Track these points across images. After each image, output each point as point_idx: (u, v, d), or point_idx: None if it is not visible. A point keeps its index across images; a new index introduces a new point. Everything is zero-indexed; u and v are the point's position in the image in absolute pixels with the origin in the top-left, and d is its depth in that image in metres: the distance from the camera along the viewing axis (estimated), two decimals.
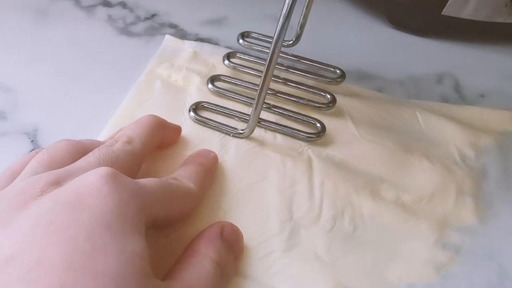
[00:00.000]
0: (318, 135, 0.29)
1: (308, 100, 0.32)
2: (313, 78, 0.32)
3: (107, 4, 0.40)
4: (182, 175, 0.24)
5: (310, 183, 0.27)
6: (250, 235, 0.24)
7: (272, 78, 0.30)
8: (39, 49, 0.35)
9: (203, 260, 0.20)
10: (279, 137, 0.30)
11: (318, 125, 0.30)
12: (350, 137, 0.30)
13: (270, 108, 0.31)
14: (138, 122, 0.25)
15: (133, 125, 0.25)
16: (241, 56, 0.34)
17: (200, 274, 0.19)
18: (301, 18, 0.32)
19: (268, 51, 0.25)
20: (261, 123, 0.30)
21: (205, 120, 0.30)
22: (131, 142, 0.23)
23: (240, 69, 0.33)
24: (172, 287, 0.18)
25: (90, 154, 0.22)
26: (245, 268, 0.23)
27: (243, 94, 0.32)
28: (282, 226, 0.25)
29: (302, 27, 0.32)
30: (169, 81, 0.33)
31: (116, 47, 0.36)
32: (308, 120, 0.30)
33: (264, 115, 0.30)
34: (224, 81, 0.33)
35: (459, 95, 0.35)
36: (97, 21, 0.38)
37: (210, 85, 0.32)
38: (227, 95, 0.32)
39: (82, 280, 0.15)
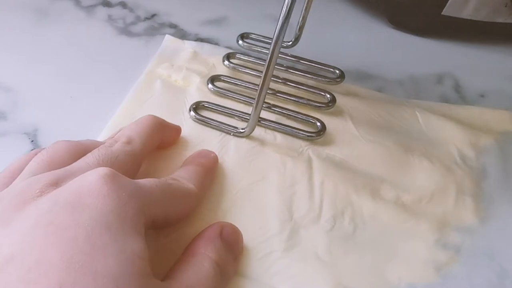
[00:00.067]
0: (318, 134, 0.29)
1: (308, 99, 0.32)
2: (312, 78, 0.33)
3: (107, 4, 0.40)
4: (181, 175, 0.24)
5: (310, 183, 0.27)
6: (250, 235, 0.24)
7: (272, 78, 0.31)
8: (39, 49, 0.35)
9: (203, 260, 0.20)
10: (279, 137, 0.30)
11: (318, 124, 0.30)
12: (350, 137, 0.30)
13: (270, 107, 0.31)
14: (138, 122, 0.25)
15: (132, 125, 0.25)
16: (241, 57, 0.34)
17: (200, 274, 0.19)
18: (300, 19, 0.32)
19: (267, 51, 0.25)
20: (261, 122, 0.30)
21: (205, 119, 0.30)
22: (130, 143, 0.23)
23: (240, 69, 0.33)
24: (172, 287, 0.18)
25: (90, 154, 0.22)
26: (245, 268, 0.23)
27: (243, 94, 0.32)
28: (282, 226, 0.25)
29: (301, 28, 0.33)
30: (169, 81, 0.33)
31: (116, 47, 0.36)
32: (308, 119, 0.30)
33: (264, 114, 0.30)
34: (224, 81, 0.33)
35: (459, 95, 0.35)
36: (97, 21, 0.38)
37: (210, 85, 0.32)
38: (227, 95, 0.32)
39: (82, 280, 0.15)
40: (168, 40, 0.36)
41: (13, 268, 0.15)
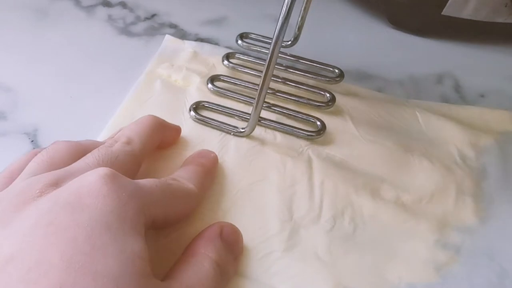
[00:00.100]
0: (319, 133, 0.29)
1: (308, 99, 0.32)
2: (312, 77, 0.33)
3: (107, 4, 0.40)
4: (181, 175, 0.24)
5: (310, 183, 0.27)
6: (250, 235, 0.24)
7: (272, 78, 0.31)
8: (39, 49, 0.35)
9: (203, 260, 0.20)
10: (279, 137, 0.30)
11: (318, 123, 0.30)
12: (350, 137, 0.30)
13: (270, 107, 0.31)
14: (138, 122, 0.25)
15: (132, 125, 0.25)
16: (240, 57, 0.34)
17: (200, 275, 0.19)
18: (299, 19, 0.32)
19: (267, 51, 0.25)
20: (262, 121, 0.30)
21: (205, 119, 0.30)
22: (130, 143, 0.23)
23: (240, 69, 0.33)
24: (172, 287, 0.18)
25: (89, 154, 0.22)
26: (245, 268, 0.23)
27: (243, 93, 0.32)
28: (282, 226, 0.25)
29: (300, 28, 0.33)
30: (169, 81, 0.33)
31: (116, 47, 0.36)
32: (308, 119, 0.30)
33: (265, 114, 0.30)
34: (224, 81, 0.33)
35: (459, 95, 0.35)
36: (97, 21, 0.38)
37: (210, 85, 0.32)
38: (227, 95, 0.32)
39: (82, 280, 0.15)
40: (168, 40, 0.36)
41: (13, 268, 0.15)
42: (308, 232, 0.25)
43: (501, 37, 0.40)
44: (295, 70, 0.33)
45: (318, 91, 0.32)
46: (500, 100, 0.35)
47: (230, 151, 0.28)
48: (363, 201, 0.27)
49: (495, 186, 0.28)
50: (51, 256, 0.16)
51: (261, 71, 0.26)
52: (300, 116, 0.31)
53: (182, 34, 0.38)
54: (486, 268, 0.24)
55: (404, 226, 0.26)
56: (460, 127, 0.31)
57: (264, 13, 0.40)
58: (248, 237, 0.24)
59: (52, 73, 0.33)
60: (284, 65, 0.33)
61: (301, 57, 0.34)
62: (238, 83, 0.33)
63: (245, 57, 0.34)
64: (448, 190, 0.28)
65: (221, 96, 0.32)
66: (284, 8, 0.23)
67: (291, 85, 0.32)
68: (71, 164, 0.21)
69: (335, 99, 0.31)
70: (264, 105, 0.30)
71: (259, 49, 0.34)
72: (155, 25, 0.39)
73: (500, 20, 0.37)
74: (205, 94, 0.32)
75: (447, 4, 0.36)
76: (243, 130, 0.29)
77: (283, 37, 0.24)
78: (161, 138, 0.27)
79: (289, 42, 0.34)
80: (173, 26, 0.39)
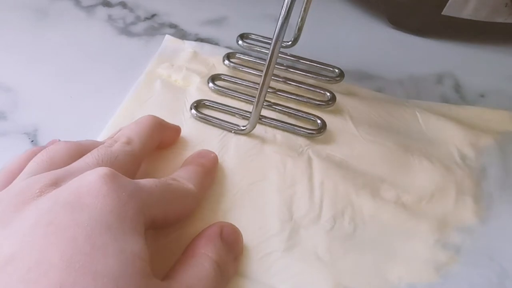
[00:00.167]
0: (319, 132, 0.30)
1: (308, 98, 0.32)
2: (312, 77, 0.33)
3: (107, 4, 0.40)
4: (181, 175, 0.24)
5: (310, 183, 0.27)
6: (250, 235, 0.24)
7: (272, 77, 0.31)
8: (39, 49, 0.35)
9: (203, 260, 0.20)
10: (279, 137, 0.30)
11: (319, 121, 0.30)
12: (350, 137, 0.30)
13: (271, 105, 0.31)
14: (138, 122, 0.25)
15: (132, 125, 0.25)
16: (241, 57, 0.34)
17: (200, 275, 0.19)
18: (299, 20, 0.32)
19: (267, 51, 0.25)
20: (262, 120, 0.30)
21: (206, 117, 0.30)
22: (130, 143, 0.23)
23: (240, 68, 0.33)
24: (172, 287, 0.18)
25: (89, 154, 0.22)
26: (245, 268, 0.23)
27: (244, 92, 0.32)
28: (282, 226, 0.25)
29: (300, 29, 0.33)
30: (169, 81, 0.33)
31: (116, 47, 0.36)
32: (308, 117, 0.30)
33: (265, 112, 0.31)
34: (224, 80, 0.33)
35: (459, 95, 0.35)
36: (97, 21, 0.38)
37: (211, 84, 0.32)
38: (228, 94, 0.32)
39: (82, 280, 0.15)
40: (168, 40, 0.36)
41: (13, 268, 0.15)
42: (308, 232, 0.25)
43: (501, 37, 0.40)
44: (296, 69, 0.33)
45: (319, 90, 0.32)
46: (500, 100, 0.35)
47: (230, 151, 0.28)
48: (363, 201, 0.27)
49: (495, 186, 0.28)
50: (51, 256, 0.16)
51: (262, 71, 0.26)
52: (301, 115, 0.31)
53: (182, 34, 0.38)
54: (486, 268, 0.24)
55: (404, 226, 0.26)
56: (460, 127, 0.31)
57: (264, 13, 0.40)
58: (248, 237, 0.24)
59: (52, 73, 0.33)
60: (284, 65, 0.33)
61: (302, 57, 0.34)
62: (239, 82, 0.33)
63: (245, 57, 0.34)
64: (448, 190, 0.28)
65: (222, 95, 0.32)
66: (284, 8, 0.23)
67: (292, 84, 0.33)
68: (70, 164, 0.21)
69: (335, 98, 0.31)
70: (264, 104, 0.30)
71: (259, 49, 0.34)
72: (155, 25, 0.39)
73: (500, 20, 0.37)
74: (205, 94, 0.32)
75: (447, 4, 0.36)
76: (244, 128, 0.29)
77: (283, 35, 0.24)
78: (161, 138, 0.27)
79: (290, 43, 0.34)
80: (173, 26, 0.39)
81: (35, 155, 0.22)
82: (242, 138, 0.29)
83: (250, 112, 0.28)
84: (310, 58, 0.34)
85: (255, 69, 0.33)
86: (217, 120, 0.30)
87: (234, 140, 0.29)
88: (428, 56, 0.38)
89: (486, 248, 0.25)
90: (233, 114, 0.31)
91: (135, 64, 0.34)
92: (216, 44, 0.37)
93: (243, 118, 0.30)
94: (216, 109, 0.31)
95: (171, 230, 0.23)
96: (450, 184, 0.28)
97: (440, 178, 0.28)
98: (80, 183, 0.18)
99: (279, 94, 0.32)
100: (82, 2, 0.40)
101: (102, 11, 0.39)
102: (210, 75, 0.33)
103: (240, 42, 0.35)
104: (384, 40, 0.40)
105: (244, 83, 0.32)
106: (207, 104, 0.31)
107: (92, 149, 0.22)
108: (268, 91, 0.31)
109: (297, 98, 0.32)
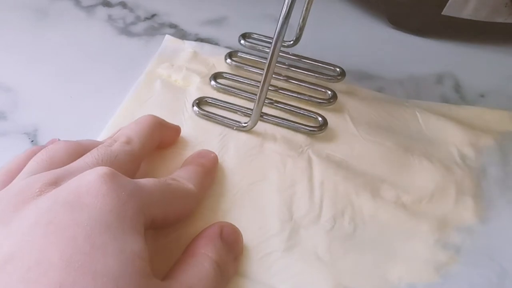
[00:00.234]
0: (320, 129, 0.30)
1: (310, 96, 0.32)
2: (314, 76, 0.33)
3: (107, 4, 0.40)
4: (181, 175, 0.24)
5: (310, 183, 0.27)
6: (250, 235, 0.24)
7: (274, 76, 0.31)
8: (39, 49, 0.35)
9: (203, 260, 0.20)
10: (279, 137, 0.30)
11: (320, 119, 0.30)
12: (350, 137, 0.30)
13: (272, 103, 0.31)
14: (137, 122, 0.25)
15: (132, 125, 0.25)
16: (243, 55, 0.34)
17: (200, 275, 0.19)
18: (301, 20, 0.32)
19: (268, 50, 0.25)
20: (264, 117, 0.30)
21: (208, 114, 0.30)
22: (130, 142, 0.23)
23: (242, 67, 0.33)
24: (172, 287, 0.18)
25: (89, 154, 0.22)
26: (245, 268, 0.23)
27: (246, 90, 0.32)
28: (282, 226, 0.25)
29: (301, 29, 0.33)
30: (169, 81, 0.33)
31: (116, 47, 0.36)
32: (310, 115, 0.31)
33: (267, 110, 0.31)
34: (226, 78, 0.33)
35: (459, 95, 0.35)
36: (97, 21, 0.38)
37: (213, 82, 0.32)
38: (230, 91, 0.32)
39: (82, 279, 0.15)
40: (168, 40, 0.36)
41: (13, 267, 0.15)
42: (308, 232, 0.25)
43: (501, 37, 0.40)
44: (297, 68, 0.33)
45: (320, 89, 0.32)
46: (500, 100, 0.35)
47: (230, 151, 0.28)
48: (363, 201, 0.27)
49: (495, 186, 0.28)
50: (51, 255, 0.16)
51: (263, 69, 0.26)
52: (302, 112, 0.31)
53: (182, 34, 0.38)
54: (486, 268, 0.24)
55: (404, 226, 0.26)
56: (460, 127, 0.31)
57: (264, 13, 0.40)
58: (248, 237, 0.24)
59: (52, 73, 0.33)
60: (286, 63, 0.34)
61: (303, 56, 0.34)
62: (241, 80, 0.33)
63: (247, 56, 0.34)
64: (448, 190, 0.28)
65: (224, 93, 0.32)
66: (285, 5, 0.23)
67: (293, 82, 0.33)
68: (70, 163, 0.21)
69: (336, 96, 0.32)
70: (266, 101, 0.30)
71: (261, 48, 0.34)
72: (155, 25, 0.39)
73: (500, 20, 0.37)
74: (206, 93, 0.32)
75: (447, 4, 0.36)
76: (245, 124, 0.29)
77: (285, 30, 0.24)
78: (161, 137, 0.27)
79: (291, 42, 0.34)
80: (173, 26, 0.39)
81: (35, 154, 0.22)
82: (242, 138, 0.29)
83: (252, 109, 0.28)
84: (310, 57, 0.34)
85: (257, 67, 0.33)
86: (218, 117, 0.30)
87: (234, 140, 0.29)
88: (428, 56, 0.38)
89: (486, 248, 0.25)
90: (235, 111, 0.31)
91: (135, 64, 0.34)
92: (216, 44, 0.37)
93: (245, 115, 0.30)
94: (218, 106, 0.31)
95: (171, 230, 0.23)
96: (450, 184, 0.28)
97: (440, 178, 0.28)
98: (79, 182, 0.18)
99: (280, 92, 0.32)
100: (82, 2, 0.40)
101: (102, 11, 0.39)
102: (210, 75, 0.33)
103: (242, 41, 0.35)
104: (384, 40, 0.40)
105: (246, 81, 0.33)
106: (209, 101, 0.31)
107: (92, 149, 0.22)
108: (270, 89, 0.31)
109: (299, 96, 0.32)
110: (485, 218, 0.27)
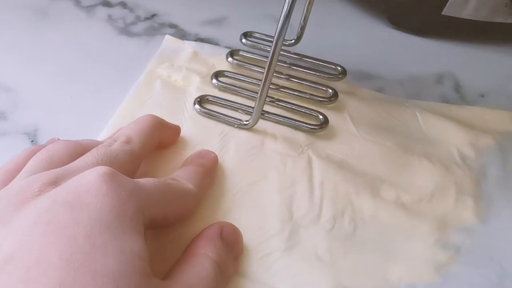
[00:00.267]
0: (321, 127, 0.30)
1: (311, 94, 0.32)
2: (315, 74, 0.33)
3: (107, 4, 0.40)
4: (181, 175, 0.24)
5: (310, 183, 0.27)
6: (250, 235, 0.24)
7: (275, 74, 0.31)
8: (39, 49, 0.35)
9: (203, 260, 0.20)
10: (280, 137, 0.30)
11: (321, 117, 0.30)
12: (350, 137, 0.30)
13: (273, 101, 0.31)
14: (137, 121, 0.25)
15: (132, 125, 0.25)
16: (244, 54, 0.34)
17: (200, 275, 0.19)
18: (302, 20, 0.32)
19: (269, 49, 0.25)
20: (265, 115, 0.30)
21: (209, 112, 0.30)
22: (129, 142, 0.23)
23: (244, 65, 0.33)
24: (172, 287, 0.18)
25: (89, 153, 0.21)
26: (245, 268, 0.23)
27: (247, 88, 0.32)
28: (282, 226, 0.25)
29: (302, 28, 0.33)
30: (169, 81, 0.33)
31: (116, 47, 0.36)
32: (311, 113, 0.31)
33: (268, 108, 0.31)
34: (228, 76, 0.33)
35: (459, 95, 0.35)
36: (97, 21, 0.38)
37: (214, 80, 0.32)
38: (231, 90, 0.32)
39: (81, 279, 0.15)
40: (168, 40, 0.36)
41: (13, 267, 0.15)
42: (308, 232, 0.25)
43: (501, 37, 0.40)
44: (299, 67, 0.33)
45: (321, 87, 0.32)
46: (500, 100, 0.35)
47: (230, 151, 0.28)
48: (363, 201, 0.27)
49: (495, 186, 0.28)
50: (51, 255, 0.16)
51: (265, 67, 0.26)
52: (303, 110, 0.31)
53: (182, 34, 0.38)
54: (486, 268, 0.24)
55: (404, 226, 0.26)
56: (460, 127, 0.31)
57: (264, 13, 0.40)
58: (248, 237, 0.24)
59: (52, 73, 0.33)
60: (288, 62, 0.34)
61: (304, 55, 0.34)
62: (242, 78, 0.33)
63: (248, 55, 0.34)
64: (448, 190, 0.28)
65: (226, 92, 0.32)
66: (286, 3, 0.23)
67: (295, 81, 0.33)
68: (70, 163, 0.21)
69: (337, 94, 0.32)
70: (267, 100, 0.30)
71: (262, 47, 0.35)
72: (155, 25, 0.39)
73: (500, 20, 0.37)
74: (206, 93, 0.32)
75: (447, 4, 0.36)
76: (246, 122, 0.29)
77: (286, 28, 0.24)
78: (161, 137, 0.27)
79: (293, 41, 0.34)
80: (173, 26, 0.39)
81: (34, 154, 0.22)
82: (242, 138, 0.29)
83: (253, 108, 0.28)
84: (312, 56, 0.34)
85: (258, 65, 0.33)
86: (220, 115, 0.30)
87: (234, 140, 0.29)
88: (428, 56, 0.38)
89: (486, 248, 0.25)
90: (236, 109, 0.31)
91: (135, 64, 0.34)
92: (216, 44, 0.37)
93: (246, 113, 0.31)
94: (219, 104, 0.31)
95: (171, 230, 0.23)
96: (450, 184, 0.28)
97: (440, 178, 0.28)
98: (79, 182, 0.18)
99: (282, 91, 0.32)
100: (82, 2, 0.40)
101: (102, 11, 0.39)
102: (210, 75, 0.33)
103: (243, 40, 0.35)
104: (384, 40, 0.40)
105: (247, 80, 0.33)
106: (211, 99, 0.31)
107: (92, 148, 0.22)
108: (271, 88, 0.31)
109: (300, 94, 0.32)
110: (485, 218, 0.27)
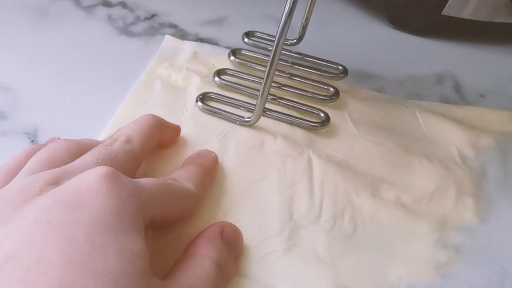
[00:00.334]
0: (323, 124, 0.30)
1: (312, 92, 0.32)
2: (316, 73, 0.33)
3: (107, 4, 0.40)
4: (181, 175, 0.24)
5: (310, 183, 0.27)
6: (250, 235, 0.24)
7: (277, 73, 0.31)
8: (39, 49, 0.35)
9: (203, 260, 0.20)
10: (280, 137, 0.30)
11: (322, 115, 0.30)
12: (350, 137, 0.30)
13: (275, 99, 0.31)
14: (137, 121, 0.25)
15: (132, 125, 0.25)
16: (246, 53, 0.34)
17: (200, 275, 0.19)
18: (304, 19, 0.33)
19: (271, 48, 0.25)
20: (267, 112, 0.30)
21: (212, 109, 0.30)
22: (130, 142, 0.23)
23: (246, 64, 0.34)
24: (172, 287, 0.18)
25: (89, 153, 0.21)
26: (245, 268, 0.23)
27: (249, 86, 0.32)
28: (282, 226, 0.25)
29: (304, 28, 0.33)
30: (169, 81, 0.33)
31: (116, 47, 0.36)
32: (312, 111, 0.31)
33: (270, 106, 0.31)
34: (230, 74, 0.33)
35: (459, 95, 0.35)
36: (97, 21, 0.38)
37: (216, 78, 0.32)
38: (233, 87, 0.32)
39: (82, 279, 0.15)
40: (168, 40, 0.36)
41: (13, 267, 0.15)
42: (308, 232, 0.25)
43: (501, 37, 0.40)
44: (300, 66, 0.33)
45: (322, 86, 0.33)
46: (500, 100, 0.35)
47: (230, 151, 0.28)
48: (363, 201, 0.27)
49: (495, 186, 0.28)
50: (51, 255, 0.16)
51: (266, 66, 0.26)
52: (305, 108, 0.31)
53: (182, 34, 0.38)
54: (486, 268, 0.24)
55: (404, 226, 0.26)
56: (460, 127, 0.31)
57: (264, 13, 0.40)
58: (248, 237, 0.24)
59: (52, 73, 0.33)
60: (289, 61, 0.34)
61: (306, 55, 0.34)
62: (244, 77, 0.33)
63: (250, 53, 0.34)
64: (448, 190, 0.28)
65: (228, 89, 0.32)
66: (288, 2, 0.23)
67: (296, 80, 0.33)
68: (70, 162, 0.21)
69: (339, 93, 0.32)
70: (269, 98, 0.30)
71: (264, 46, 0.35)
72: (155, 25, 0.39)
73: (500, 20, 0.37)
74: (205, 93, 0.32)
75: (447, 4, 0.36)
76: (248, 119, 0.29)
77: (288, 27, 0.24)
78: (161, 137, 0.27)
79: (294, 40, 0.34)
80: (173, 26, 0.39)
81: (35, 153, 0.22)
82: (242, 138, 0.29)
83: (255, 105, 0.28)
84: (314, 56, 0.34)
85: (260, 64, 0.33)
86: (222, 112, 0.30)
87: (234, 140, 0.29)
88: (428, 56, 0.38)
89: (486, 248, 0.25)
90: (238, 106, 0.31)
91: (135, 64, 0.34)
92: (216, 44, 0.37)
93: (248, 111, 0.31)
94: (221, 101, 0.31)
95: (171, 230, 0.23)
96: (450, 184, 0.28)
97: (440, 178, 0.28)
98: (80, 182, 0.18)
99: (284, 89, 0.32)
100: (82, 2, 0.40)
101: (102, 11, 0.39)
102: (210, 75, 0.33)
103: (245, 39, 0.35)
104: (384, 40, 0.40)
105: (249, 78, 0.33)
106: (213, 97, 0.31)
107: (92, 148, 0.22)
108: (273, 86, 0.31)
109: (302, 92, 0.32)
110: (485, 218, 0.27)
